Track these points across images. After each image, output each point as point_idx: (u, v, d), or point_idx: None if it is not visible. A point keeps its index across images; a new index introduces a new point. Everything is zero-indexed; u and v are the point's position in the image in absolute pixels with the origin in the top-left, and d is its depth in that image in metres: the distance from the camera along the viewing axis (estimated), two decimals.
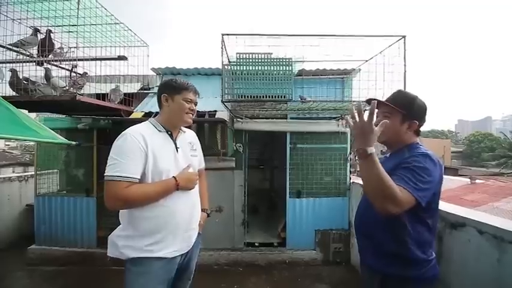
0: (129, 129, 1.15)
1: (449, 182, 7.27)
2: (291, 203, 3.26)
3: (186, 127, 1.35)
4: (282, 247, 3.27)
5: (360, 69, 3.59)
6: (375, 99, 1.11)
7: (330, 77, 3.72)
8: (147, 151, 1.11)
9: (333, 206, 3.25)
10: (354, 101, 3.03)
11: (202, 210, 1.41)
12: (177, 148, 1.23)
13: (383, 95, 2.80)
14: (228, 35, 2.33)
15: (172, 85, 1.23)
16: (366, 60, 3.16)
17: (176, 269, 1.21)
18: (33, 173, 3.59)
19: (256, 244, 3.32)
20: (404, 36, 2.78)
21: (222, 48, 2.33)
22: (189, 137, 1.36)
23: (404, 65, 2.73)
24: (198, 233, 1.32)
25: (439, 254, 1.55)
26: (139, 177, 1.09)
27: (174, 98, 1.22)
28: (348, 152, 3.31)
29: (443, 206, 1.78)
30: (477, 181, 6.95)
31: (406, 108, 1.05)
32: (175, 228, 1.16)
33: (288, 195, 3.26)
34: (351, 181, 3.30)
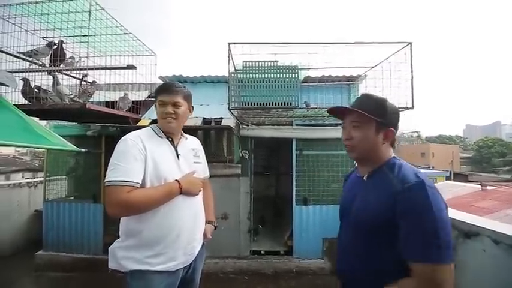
0: (129, 134, 1.11)
1: (459, 189, 7.10)
2: (298, 211, 3.22)
3: (190, 134, 1.31)
4: (288, 255, 3.22)
5: (366, 76, 3.59)
6: (340, 107, 0.94)
7: (336, 83, 3.73)
8: (146, 154, 1.06)
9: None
10: None
11: (209, 222, 1.34)
12: (178, 155, 1.18)
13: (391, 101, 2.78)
14: (234, 43, 2.36)
15: (156, 89, 1.19)
16: (372, 67, 3.16)
17: (180, 282, 1.15)
18: (42, 178, 3.65)
19: (263, 252, 3.28)
20: (410, 43, 2.78)
21: (228, 56, 2.36)
22: (192, 143, 1.30)
23: (411, 72, 2.72)
24: (203, 244, 1.26)
25: None
26: (140, 182, 1.04)
27: (156, 103, 1.18)
28: None
29: (455, 214, 1.74)
30: (488, 187, 6.77)
31: (379, 114, 0.85)
32: (177, 240, 1.09)
33: (294, 202, 3.23)
34: None
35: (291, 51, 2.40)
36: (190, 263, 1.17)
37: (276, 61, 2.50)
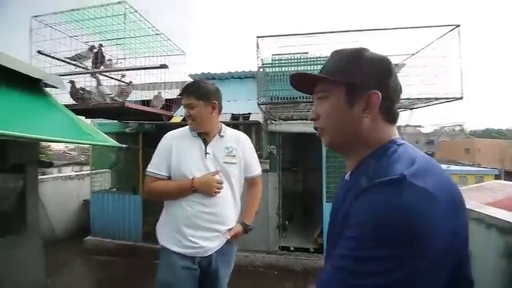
0: (168, 132, 1.25)
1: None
2: (328, 208, 3.12)
3: (237, 129, 1.33)
4: (319, 253, 3.15)
5: (404, 64, 3.31)
6: (295, 74, 0.62)
7: None
8: (171, 152, 1.18)
9: None
10: None
11: (241, 223, 1.29)
12: (206, 153, 1.20)
13: (434, 92, 2.52)
14: (262, 37, 2.32)
15: None
16: (413, 54, 2.89)
17: (202, 274, 1.19)
18: (88, 171, 4.02)
19: (292, 248, 3.26)
20: (458, 26, 2.49)
21: (256, 50, 2.33)
22: (229, 141, 1.25)
23: (460, 58, 2.43)
24: (229, 243, 1.24)
25: None
26: (166, 174, 1.19)
27: None
28: None
29: None
30: None
31: (349, 72, 0.55)
32: (190, 233, 1.14)
33: (324, 199, 3.13)
34: None
35: (321, 42, 2.27)
36: (210, 257, 1.19)
37: (306, 53, 2.40)
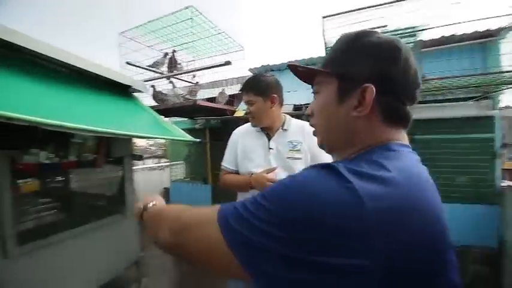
0: (237, 128, 1.31)
1: None
2: None
3: (305, 120, 1.29)
4: None
5: None
6: (291, 65, 0.52)
7: (463, 43, 2.84)
8: (237, 147, 1.24)
9: (473, 216, 2.47)
10: (504, 72, 2.17)
11: None
12: (269, 148, 1.18)
13: None
14: (328, 16, 2.12)
15: None
16: None
17: None
18: (166, 163, 4.61)
19: None
20: None
21: (322, 32, 2.15)
22: (293, 135, 1.19)
23: None
24: None
25: None
26: (234, 168, 1.25)
27: None
28: (498, 144, 2.43)
29: None
30: None
31: (339, 62, 0.47)
32: None
33: None
34: (504, 184, 2.41)
35: (403, 11, 1.91)
36: None
37: (384, 26, 2.05)
